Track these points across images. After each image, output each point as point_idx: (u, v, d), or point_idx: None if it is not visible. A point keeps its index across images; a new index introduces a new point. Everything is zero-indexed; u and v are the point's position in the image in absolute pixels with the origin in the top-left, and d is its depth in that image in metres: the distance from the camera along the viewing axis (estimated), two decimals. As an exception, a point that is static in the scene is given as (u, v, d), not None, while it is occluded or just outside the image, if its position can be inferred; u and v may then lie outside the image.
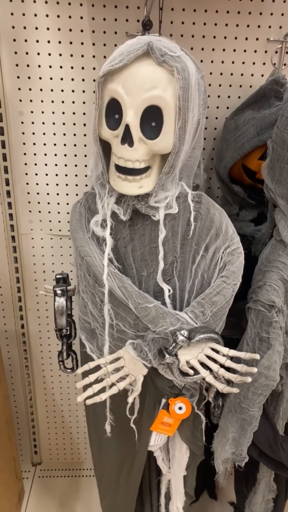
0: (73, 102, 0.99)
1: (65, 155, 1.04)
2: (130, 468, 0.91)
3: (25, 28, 0.92)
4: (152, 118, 0.63)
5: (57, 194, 1.09)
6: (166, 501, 1.01)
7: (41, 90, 0.98)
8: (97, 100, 0.66)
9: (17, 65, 0.95)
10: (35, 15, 0.91)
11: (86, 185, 1.08)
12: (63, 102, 0.99)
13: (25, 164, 1.05)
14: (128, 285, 0.70)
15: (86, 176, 1.07)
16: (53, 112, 1.00)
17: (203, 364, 0.68)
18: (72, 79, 0.97)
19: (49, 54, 0.94)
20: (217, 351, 0.68)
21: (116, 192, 0.72)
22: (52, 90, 0.98)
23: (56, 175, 1.07)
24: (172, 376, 0.73)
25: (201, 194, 0.74)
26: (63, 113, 1.00)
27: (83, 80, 0.97)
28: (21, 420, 1.43)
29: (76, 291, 0.83)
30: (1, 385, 1.15)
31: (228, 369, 0.68)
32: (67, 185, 1.08)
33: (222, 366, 0.68)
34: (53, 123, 1.01)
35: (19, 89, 0.97)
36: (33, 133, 1.02)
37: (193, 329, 0.68)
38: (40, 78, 0.96)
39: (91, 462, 1.49)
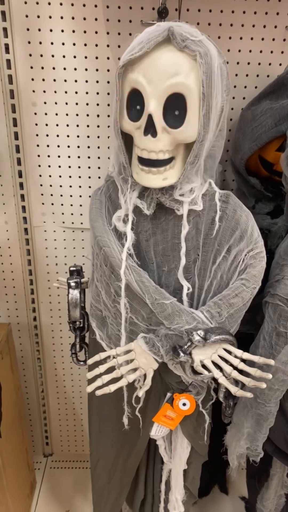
0: (87, 93, 0.98)
1: (78, 146, 1.03)
2: (130, 453, 0.91)
3: (38, 17, 0.90)
4: (175, 107, 0.61)
5: (70, 186, 1.08)
6: (166, 489, 1.01)
7: (54, 80, 0.96)
8: (118, 91, 0.64)
9: (30, 55, 0.94)
10: (49, 3, 0.89)
11: (99, 177, 1.07)
12: (76, 92, 0.98)
13: (38, 156, 1.05)
14: (146, 280, 0.70)
15: (98, 168, 1.06)
16: (66, 103, 0.99)
17: (216, 365, 0.68)
18: (86, 69, 0.95)
19: (63, 44, 0.93)
20: (230, 353, 0.68)
21: (139, 186, 0.70)
22: (65, 81, 0.96)
23: (69, 167, 1.06)
24: (181, 372, 0.73)
25: (229, 194, 0.72)
26: (77, 104, 0.99)
27: (97, 70, 0.95)
28: (32, 411, 1.44)
29: (90, 280, 0.82)
30: (13, 377, 1.16)
31: (241, 371, 0.67)
32: (80, 177, 1.07)
33: (235, 368, 0.67)
34: (66, 114, 1.00)
35: (32, 79, 0.96)
36: (46, 125, 1.01)
37: (208, 329, 0.67)
38: (54, 68, 0.95)
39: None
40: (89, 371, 0.71)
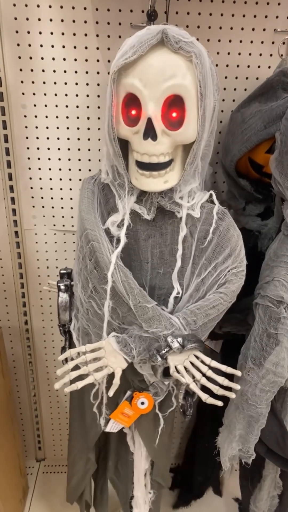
0: (77, 95, 0.97)
1: (69, 149, 1.03)
2: (87, 434, 0.95)
3: (27, 19, 0.90)
4: (173, 108, 0.61)
5: (61, 189, 1.08)
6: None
7: (44, 83, 0.96)
8: (113, 97, 0.63)
9: (19, 57, 0.94)
10: (38, 6, 0.89)
11: (90, 180, 1.07)
12: (66, 95, 0.97)
13: (28, 158, 1.04)
14: (132, 281, 0.69)
15: (89, 170, 1.06)
16: (56, 106, 0.98)
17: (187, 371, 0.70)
18: (76, 72, 0.95)
19: (52, 46, 0.92)
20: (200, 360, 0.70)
21: (136, 191, 0.70)
22: (55, 83, 0.96)
23: (60, 169, 1.05)
24: (145, 372, 0.75)
25: (225, 212, 0.74)
26: (67, 106, 0.99)
27: (86, 72, 0.95)
28: (25, 416, 1.42)
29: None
30: (5, 381, 1.15)
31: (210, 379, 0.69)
32: (70, 179, 1.07)
33: (204, 375, 0.69)
34: (56, 117, 1.00)
35: (22, 82, 0.96)
36: (36, 127, 1.01)
37: (185, 336, 0.68)
38: (43, 70, 0.95)
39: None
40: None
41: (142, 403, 0.79)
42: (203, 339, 0.74)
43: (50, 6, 0.89)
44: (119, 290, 0.69)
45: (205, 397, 0.68)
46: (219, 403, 0.67)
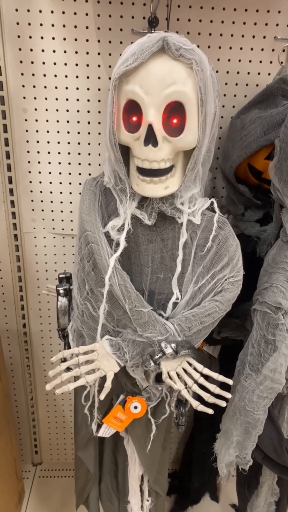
0: (78, 100, 0.98)
1: (69, 153, 1.03)
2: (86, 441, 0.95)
3: (29, 24, 0.91)
4: (174, 115, 0.62)
5: (61, 192, 1.08)
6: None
7: (45, 87, 0.97)
8: (114, 104, 0.64)
9: (21, 61, 0.94)
10: (40, 11, 0.90)
11: (90, 184, 1.07)
12: (67, 99, 0.98)
13: (28, 162, 1.04)
14: (129, 285, 0.70)
15: (89, 174, 1.06)
16: (57, 110, 0.99)
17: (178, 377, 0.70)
18: (77, 76, 0.96)
19: (54, 51, 0.93)
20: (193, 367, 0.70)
21: (138, 196, 0.70)
22: (56, 88, 0.97)
23: (60, 173, 1.06)
24: (137, 376, 0.75)
25: (225, 222, 0.74)
26: (67, 110, 0.99)
27: (87, 77, 0.96)
28: (21, 419, 1.42)
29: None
30: (2, 385, 1.14)
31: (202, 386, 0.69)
32: (70, 183, 1.07)
33: (196, 382, 0.69)
34: (57, 121, 1.00)
35: (23, 86, 0.96)
36: (37, 131, 1.01)
37: (178, 342, 0.69)
38: (44, 75, 0.95)
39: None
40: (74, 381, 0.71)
41: (135, 407, 0.79)
42: (196, 346, 0.74)
43: (52, 12, 0.90)
44: (116, 293, 0.69)
45: (196, 404, 0.68)
46: (210, 411, 0.67)
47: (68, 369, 0.72)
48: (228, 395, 0.67)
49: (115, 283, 0.68)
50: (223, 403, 0.67)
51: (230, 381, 0.68)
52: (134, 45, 0.62)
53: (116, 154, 0.67)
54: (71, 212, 1.10)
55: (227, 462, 0.81)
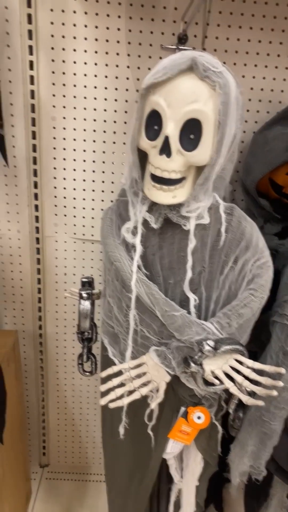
0: (105, 110, 1.01)
1: (94, 161, 1.06)
2: (143, 475, 0.91)
3: (63, 37, 0.94)
4: (191, 131, 0.64)
5: (83, 199, 1.11)
6: (175, 510, 1.01)
7: (74, 97, 1.00)
8: (139, 111, 0.67)
9: (53, 72, 0.98)
10: (74, 25, 0.93)
11: (112, 192, 1.10)
12: (95, 109, 1.01)
13: (54, 168, 1.07)
14: (156, 292, 0.71)
15: (112, 182, 1.09)
16: (84, 119, 1.02)
17: (227, 375, 0.69)
18: (106, 88, 0.99)
19: (85, 63, 0.97)
20: (241, 363, 0.69)
21: (148, 200, 0.73)
22: (85, 98, 1.00)
23: (84, 180, 1.09)
24: (193, 385, 0.74)
25: (233, 207, 0.75)
26: (95, 120, 1.02)
27: (116, 89, 0.99)
28: (31, 420, 1.43)
29: (102, 295, 0.84)
30: (17, 384, 1.16)
31: (252, 381, 0.68)
32: (93, 190, 1.10)
33: (246, 378, 0.68)
34: (84, 130, 1.03)
35: (54, 95, 1.00)
36: (64, 139, 1.05)
37: (219, 339, 0.68)
38: (75, 85, 0.99)
39: (99, 467, 1.50)
40: (102, 384, 0.72)
41: (199, 417, 0.77)
42: (243, 342, 0.73)
43: (85, 26, 0.93)
44: (145, 302, 0.71)
45: (246, 399, 0.67)
46: (260, 403, 0.66)
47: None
48: (280, 383, 0.65)
49: (143, 292, 0.70)
50: (274, 392, 0.65)
51: (283, 370, 0.66)
52: (167, 60, 0.65)
53: (134, 158, 0.71)
54: (92, 218, 1.13)
55: (240, 472, 0.82)
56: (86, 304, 0.82)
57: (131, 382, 0.71)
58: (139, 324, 0.74)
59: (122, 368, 0.72)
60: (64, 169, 1.08)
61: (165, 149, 0.65)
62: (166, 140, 0.64)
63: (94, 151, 1.06)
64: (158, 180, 0.68)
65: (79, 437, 1.46)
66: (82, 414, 1.42)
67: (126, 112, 1.01)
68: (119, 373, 0.72)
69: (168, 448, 0.83)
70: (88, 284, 0.86)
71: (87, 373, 0.94)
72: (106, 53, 0.96)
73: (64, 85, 0.99)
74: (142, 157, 0.71)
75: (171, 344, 0.72)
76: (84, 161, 1.07)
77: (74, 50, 0.95)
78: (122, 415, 0.80)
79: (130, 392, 0.72)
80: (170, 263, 0.76)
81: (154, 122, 0.66)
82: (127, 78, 0.98)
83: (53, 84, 0.99)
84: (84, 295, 0.82)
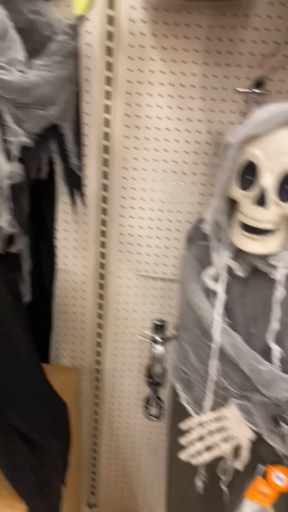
0: (176, 151, 1.02)
1: (162, 201, 1.07)
2: None
3: (140, 82, 0.97)
4: None
5: (149, 237, 1.11)
6: None
7: (147, 139, 1.02)
8: (232, 161, 0.67)
9: (127, 115, 1.00)
10: (151, 71, 0.96)
11: (178, 230, 1.09)
12: (166, 150, 1.02)
13: (122, 206, 1.09)
14: (240, 343, 0.69)
15: (178, 221, 1.09)
16: (155, 160, 1.04)
17: None
18: (178, 130, 1.00)
19: (160, 107, 0.99)
20: None
21: (234, 247, 0.72)
22: (157, 139, 1.02)
23: (150, 219, 1.09)
24: (279, 445, 0.69)
25: None
26: (165, 161, 1.03)
27: (188, 131, 1.00)
28: (83, 458, 1.41)
29: (177, 340, 0.82)
30: (77, 423, 1.15)
31: None
32: (159, 229, 1.10)
33: None
34: (153, 170, 1.05)
35: (127, 137, 1.02)
36: (133, 178, 1.06)
37: None
38: (147, 127, 1.01)
39: (148, 511, 1.43)
40: (174, 432, 0.69)
41: (279, 478, 0.71)
42: None
43: (163, 72, 0.96)
44: (229, 354, 0.68)
45: None
46: None
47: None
48: None
49: (226, 343, 0.68)
50: None
51: None
52: (264, 112, 0.64)
53: (222, 205, 0.70)
54: (157, 256, 1.13)
55: None
56: (160, 349, 0.81)
57: (211, 436, 0.68)
58: (220, 375, 0.71)
59: (202, 421, 0.69)
60: (132, 207, 1.09)
61: (261, 201, 0.64)
62: (263, 192, 0.63)
63: (162, 191, 1.06)
64: (250, 229, 0.66)
65: (130, 478, 1.41)
66: (134, 454, 1.37)
67: (196, 153, 1.02)
68: (197, 424, 0.69)
69: (245, 509, 0.77)
70: (160, 327, 0.85)
71: (154, 418, 0.91)
72: (181, 96, 0.98)
73: (137, 127, 1.01)
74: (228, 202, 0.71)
75: (254, 399, 0.68)
76: (152, 200, 1.07)
77: (150, 94, 0.98)
78: (199, 468, 0.77)
79: (208, 447, 0.68)
80: (254, 312, 0.73)
81: (248, 172, 0.65)
82: (200, 121, 0.99)
83: (127, 126, 1.01)
84: (159, 340, 0.81)
